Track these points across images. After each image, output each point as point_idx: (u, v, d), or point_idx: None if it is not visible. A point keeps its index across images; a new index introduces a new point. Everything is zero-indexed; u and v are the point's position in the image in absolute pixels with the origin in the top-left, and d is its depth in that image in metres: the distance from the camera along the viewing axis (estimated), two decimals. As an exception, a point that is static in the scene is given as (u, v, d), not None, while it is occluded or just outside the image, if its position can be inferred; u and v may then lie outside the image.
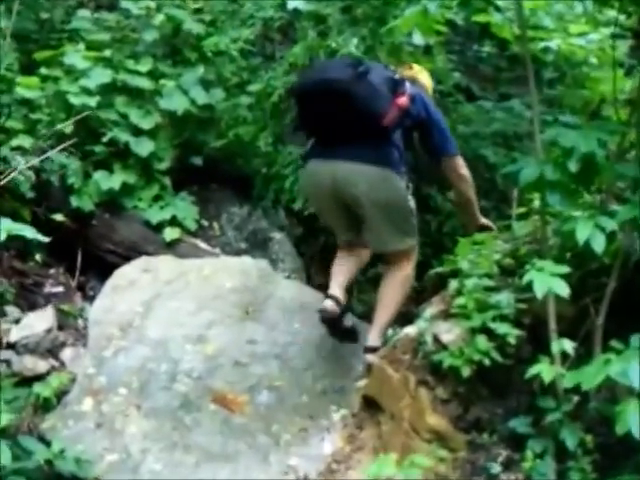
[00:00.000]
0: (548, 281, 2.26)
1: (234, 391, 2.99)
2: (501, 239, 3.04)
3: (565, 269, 2.34)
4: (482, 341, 2.46)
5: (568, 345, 2.32)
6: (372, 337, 3.13)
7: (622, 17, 2.81)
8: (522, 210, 3.10)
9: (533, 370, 2.31)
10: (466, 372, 2.45)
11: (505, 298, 2.57)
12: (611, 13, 3.50)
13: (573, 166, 2.25)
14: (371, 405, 2.74)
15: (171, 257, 3.64)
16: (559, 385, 2.37)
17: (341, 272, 3.24)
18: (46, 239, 2.56)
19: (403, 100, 3.09)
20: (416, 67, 3.66)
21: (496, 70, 5.22)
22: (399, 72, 3.43)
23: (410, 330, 2.69)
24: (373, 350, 3.07)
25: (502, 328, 2.45)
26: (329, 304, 3.09)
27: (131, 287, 3.44)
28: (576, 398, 2.39)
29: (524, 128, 4.49)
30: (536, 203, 2.92)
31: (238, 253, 4.14)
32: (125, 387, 2.97)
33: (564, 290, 2.27)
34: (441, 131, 3.30)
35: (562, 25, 4.19)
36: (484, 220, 3.46)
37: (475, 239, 2.89)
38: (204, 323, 3.25)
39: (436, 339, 2.57)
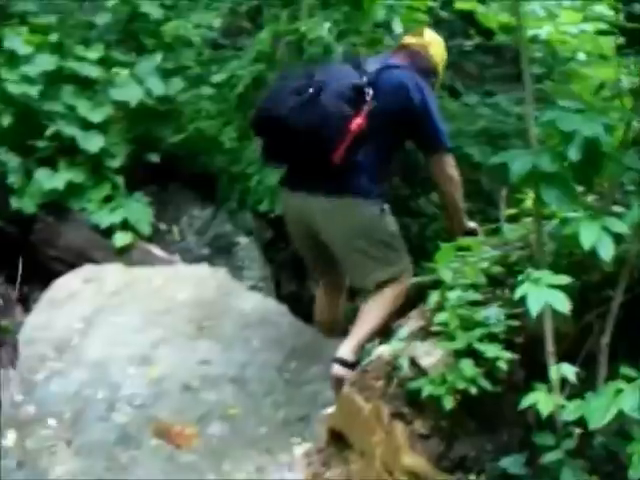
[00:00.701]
0: (545, 295, 1.89)
1: (181, 421, 2.59)
2: (489, 244, 2.70)
3: (565, 279, 1.97)
4: (468, 366, 2.08)
5: (569, 370, 1.97)
6: (344, 349, 2.77)
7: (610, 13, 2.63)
8: (512, 212, 2.76)
9: (528, 400, 1.96)
10: (449, 403, 2.07)
11: (494, 314, 2.20)
12: (598, 8, 3.44)
13: (574, 153, 1.87)
14: (339, 439, 2.35)
15: (118, 265, 3.26)
16: (558, 418, 2.00)
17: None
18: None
19: (357, 122, 2.69)
20: (428, 35, 3.13)
21: (481, 67, 4.99)
22: (405, 39, 3.08)
23: (383, 351, 2.30)
24: (343, 363, 2.72)
25: (491, 350, 2.08)
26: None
27: (71, 300, 3.05)
28: (578, 431, 2.04)
29: (511, 126, 4.23)
30: (528, 203, 2.61)
31: (200, 260, 3.78)
32: (55, 418, 2.58)
33: (564, 305, 1.91)
34: (434, 122, 2.90)
35: (552, 14, 3.94)
36: (471, 224, 3.11)
37: (459, 244, 2.52)
38: (150, 341, 2.86)
39: (413, 363, 2.19)
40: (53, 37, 3.78)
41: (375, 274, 2.85)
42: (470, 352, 2.11)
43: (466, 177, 4.18)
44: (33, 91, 3.56)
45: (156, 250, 3.66)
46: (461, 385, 2.06)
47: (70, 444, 2.47)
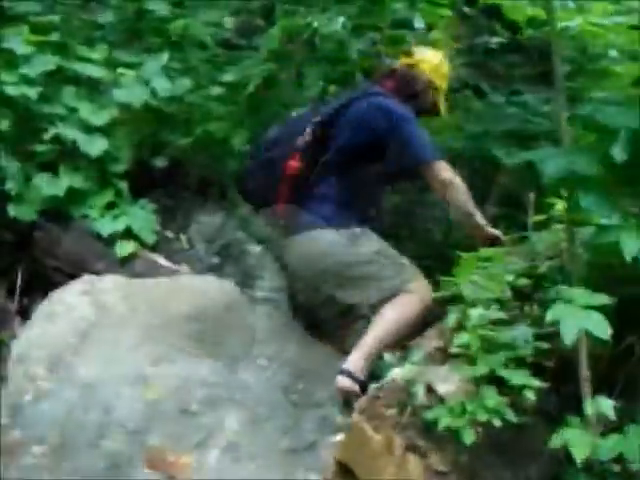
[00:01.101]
0: (581, 319, 1.64)
1: (177, 449, 2.37)
2: (514, 254, 2.46)
3: (603, 299, 1.73)
4: (491, 395, 1.84)
5: (606, 405, 1.72)
6: (352, 359, 2.65)
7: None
8: (540, 218, 2.52)
9: (559, 439, 1.71)
10: (469, 437, 1.83)
11: (521, 334, 1.97)
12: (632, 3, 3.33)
13: (619, 153, 1.61)
14: (347, 471, 2.12)
15: (118, 277, 3.04)
16: (594, 456, 1.75)
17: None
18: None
19: (292, 165, 2.91)
20: (419, 52, 3.16)
21: (507, 65, 4.76)
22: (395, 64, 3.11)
23: (396, 375, 2.06)
24: (348, 374, 2.60)
25: (517, 377, 1.84)
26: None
27: (66, 314, 2.84)
28: (617, 468, 1.79)
29: (540, 126, 4.03)
30: (558, 208, 2.37)
31: (209, 269, 3.57)
32: (41, 444, 2.38)
33: (603, 330, 1.67)
34: (409, 142, 2.83)
35: (583, 6, 3.72)
36: (491, 230, 2.87)
37: (481, 255, 2.28)
38: (148, 359, 2.65)
39: (430, 389, 1.96)
40: (54, 37, 3.59)
41: (368, 294, 2.79)
42: (494, 378, 1.87)
43: (492, 179, 4.02)
44: (32, 93, 3.37)
45: (161, 260, 3.45)
46: (483, 417, 1.82)
47: (53, 474, 2.25)
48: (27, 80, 3.41)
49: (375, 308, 2.79)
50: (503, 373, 1.84)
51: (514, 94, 4.41)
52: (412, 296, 2.75)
